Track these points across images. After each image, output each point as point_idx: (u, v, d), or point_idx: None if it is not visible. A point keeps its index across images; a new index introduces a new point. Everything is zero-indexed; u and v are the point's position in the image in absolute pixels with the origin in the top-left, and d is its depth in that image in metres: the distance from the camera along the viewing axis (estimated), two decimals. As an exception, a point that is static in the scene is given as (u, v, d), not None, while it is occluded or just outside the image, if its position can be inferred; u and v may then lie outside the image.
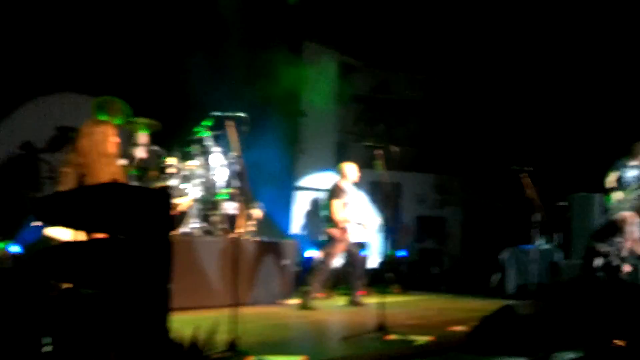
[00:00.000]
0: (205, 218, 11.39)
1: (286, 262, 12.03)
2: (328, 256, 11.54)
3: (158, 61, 12.70)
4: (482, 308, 10.00)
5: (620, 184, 12.79)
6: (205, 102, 11.80)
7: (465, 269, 18.10)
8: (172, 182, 10.81)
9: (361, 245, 12.89)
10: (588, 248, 10.97)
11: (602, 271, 10.61)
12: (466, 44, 17.94)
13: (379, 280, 13.67)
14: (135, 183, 10.01)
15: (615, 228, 11.19)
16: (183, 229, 10.83)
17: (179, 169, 11.03)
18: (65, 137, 10.51)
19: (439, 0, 17.21)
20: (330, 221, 11.56)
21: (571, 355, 7.42)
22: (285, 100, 15.40)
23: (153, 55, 12.63)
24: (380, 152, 8.99)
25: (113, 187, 4.69)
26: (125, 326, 4.34)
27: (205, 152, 11.55)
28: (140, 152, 11.04)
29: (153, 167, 10.97)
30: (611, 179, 12.86)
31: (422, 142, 19.91)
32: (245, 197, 10.48)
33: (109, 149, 7.15)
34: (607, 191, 12.82)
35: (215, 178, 11.52)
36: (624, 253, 10.92)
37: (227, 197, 11.38)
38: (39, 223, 7.56)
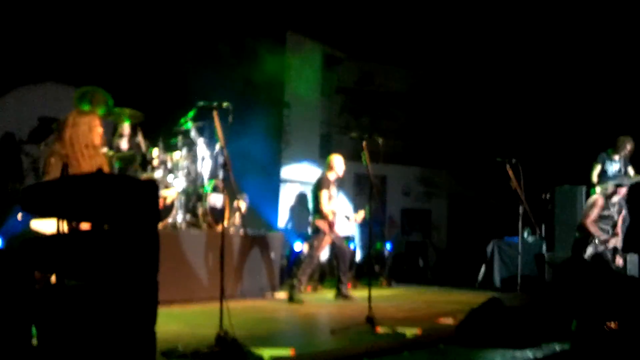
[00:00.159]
0: (190, 210, 11.32)
1: (273, 255, 11.98)
2: (315, 249, 11.49)
3: (141, 51, 12.60)
4: (469, 300, 9.99)
5: (604, 178, 12.81)
6: (189, 93, 11.74)
7: (451, 261, 18.13)
8: (156, 174, 10.73)
9: (347, 238, 12.85)
10: (576, 240, 10.95)
11: (592, 262, 10.60)
12: (451, 37, 17.91)
13: (365, 273, 13.65)
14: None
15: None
16: (168, 222, 10.75)
17: (163, 161, 10.95)
18: (47, 128, 10.42)
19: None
20: (317, 213, 11.51)
21: (559, 346, 7.42)
22: (269, 92, 15.36)
23: (136, 45, 12.53)
24: (366, 144, 8.94)
25: (99, 177, 4.60)
26: (112, 318, 4.28)
27: (189, 144, 11.49)
28: (123, 143, 10.98)
29: (137, 158, 10.89)
30: (595, 172, 12.88)
31: (407, 135, 19.89)
32: (230, 189, 10.41)
33: (94, 139, 7.07)
34: (592, 184, 12.84)
35: (200, 170, 11.47)
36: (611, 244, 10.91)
37: (212, 189, 11.31)
38: (22, 215, 7.49)
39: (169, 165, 11.03)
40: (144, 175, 10.56)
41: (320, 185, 11.62)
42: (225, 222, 11.15)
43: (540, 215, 13.95)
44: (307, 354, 6.52)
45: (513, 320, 7.40)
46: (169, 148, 11.35)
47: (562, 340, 7.50)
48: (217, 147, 11.50)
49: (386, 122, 19.87)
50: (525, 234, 13.96)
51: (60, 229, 4.48)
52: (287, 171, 16.96)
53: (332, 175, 11.72)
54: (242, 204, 12.10)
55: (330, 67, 18.59)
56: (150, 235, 4.62)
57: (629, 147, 12.77)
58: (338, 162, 11.77)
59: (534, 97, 17.26)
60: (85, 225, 4.86)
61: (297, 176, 17.18)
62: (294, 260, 13.30)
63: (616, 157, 12.88)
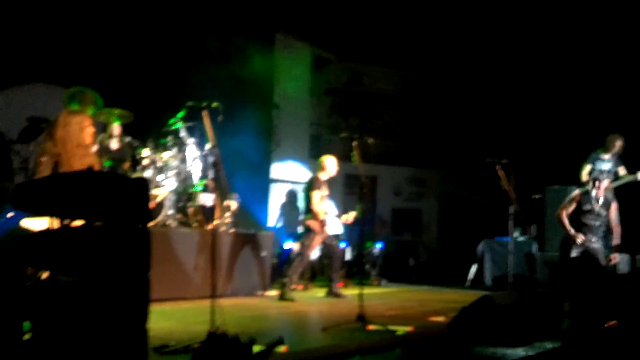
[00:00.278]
0: (180, 210, 11.31)
1: (264, 253, 11.97)
2: (306, 248, 11.50)
3: (131, 52, 12.59)
4: (460, 299, 10.01)
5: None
6: (179, 93, 11.73)
7: (441, 261, 18.16)
8: (146, 174, 10.73)
9: (338, 237, 12.85)
10: (564, 239, 10.94)
11: (579, 261, 10.59)
12: (441, 38, 17.94)
13: (356, 272, 13.66)
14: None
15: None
16: (159, 221, 10.74)
17: (153, 160, 10.95)
18: (37, 128, 10.40)
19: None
20: (308, 212, 11.52)
21: (550, 345, 7.43)
22: (259, 93, 15.36)
23: (126, 46, 12.52)
24: (356, 144, 8.95)
25: (90, 174, 4.59)
26: (104, 314, 4.27)
27: (179, 144, 11.48)
28: (113, 144, 10.97)
29: (127, 158, 10.89)
30: (585, 172, 12.89)
31: (397, 135, 19.92)
32: (221, 188, 10.41)
33: (85, 139, 7.06)
34: (582, 184, 12.84)
35: (190, 169, 11.47)
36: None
37: (203, 189, 11.31)
38: (12, 214, 7.45)
39: (159, 164, 11.02)
40: (134, 175, 10.54)
41: (312, 185, 11.63)
42: (216, 222, 11.14)
43: (530, 215, 13.99)
44: (299, 350, 6.52)
45: (505, 318, 7.40)
46: (159, 148, 11.34)
47: (553, 338, 7.52)
48: (207, 146, 11.49)
49: (376, 123, 19.89)
50: (516, 234, 13.99)
51: (52, 226, 4.47)
52: (277, 171, 16.97)
53: (324, 176, 11.73)
54: (233, 204, 12.10)
55: (320, 68, 18.60)
56: (142, 232, 4.62)
57: (618, 145, 12.77)
58: (330, 163, 11.78)
59: (524, 97, 17.30)
60: (76, 223, 4.85)
61: (287, 176, 17.19)
62: (285, 259, 13.31)
63: (606, 157, 12.89)
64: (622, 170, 12.88)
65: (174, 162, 11.26)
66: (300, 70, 17.80)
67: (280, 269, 12.93)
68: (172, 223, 10.97)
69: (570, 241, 10.70)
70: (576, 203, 10.93)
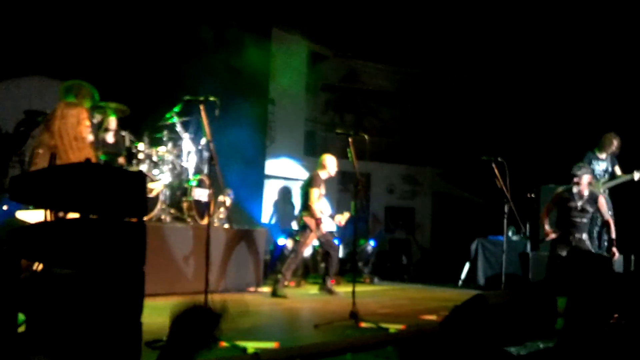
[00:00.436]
0: (175, 204, 11.32)
1: (257, 249, 11.98)
2: (300, 245, 11.52)
3: (127, 46, 12.56)
4: (452, 298, 10.03)
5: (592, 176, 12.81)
6: (174, 88, 11.73)
7: (434, 259, 18.15)
8: (141, 168, 10.74)
9: (332, 234, 12.87)
10: (552, 240, 10.97)
11: (567, 259, 10.60)
12: (437, 35, 17.93)
13: (348, 269, 13.67)
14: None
15: None
16: (153, 215, 10.74)
17: (149, 155, 10.95)
18: (33, 121, 10.36)
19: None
20: (305, 209, 11.53)
21: (542, 344, 7.43)
22: (254, 88, 15.35)
23: (122, 39, 12.50)
24: (352, 140, 8.95)
25: (87, 166, 4.59)
26: (99, 307, 4.27)
27: (175, 138, 11.49)
28: (109, 137, 10.98)
29: (122, 152, 10.89)
30: (581, 172, 12.87)
31: (391, 133, 19.91)
32: (216, 183, 10.42)
33: (82, 132, 7.06)
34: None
35: (185, 164, 11.47)
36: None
37: (197, 184, 11.31)
38: (6, 207, 7.45)
39: (154, 159, 11.02)
40: (130, 169, 10.54)
41: (311, 182, 11.65)
42: (210, 217, 11.14)
43: (525, 214, 13.99)
44: (292, 347, 6.53)
45: (497, 317, 7.40)
46: (155, 142, 11.34)
47: (546, 338, 7.52)
48: (203, 141, 11.51)
49: (371, 120, 19.88)
50: (510, 233, 14.00)
51: (48, 218, 4.47)
52: (272, 167, 16.95)
53: (323, 174, 11.75)
54: (227, 199, 12.10)
55: (316, 64, 18.57)
56: (138, 225, 4.62)
57: (615, 144, 12.76)
58: (330, 162, 11.79)
59: (519, 96, 17.28)
60: (71, 215, 4.85)
61: (281, 172, 17.17)
62: (278, 255, 13.31)
63: (602, 156, 12.87)
64: (618, 170, 12.87)
65: (169, 157, 11.27)
66: (296, 66, 17.77)
67: (274, 265, 12.94)
68: (166, 218, 10.98)
69: (557, 240, 10.73)
70: (556, 201, 10.94)
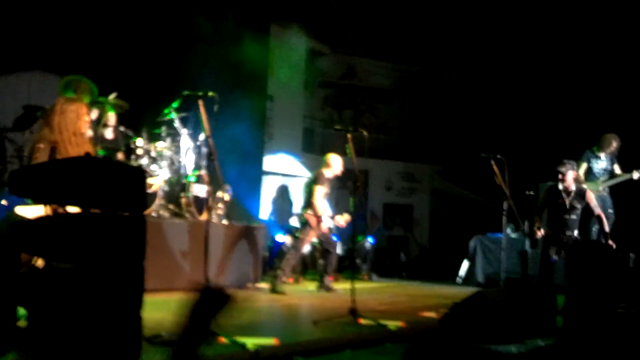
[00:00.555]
0: (173, 200, 11.30)
1: (255, 246, 11.97)
2: (300, 241, 11.51)
3: (126, 41, 12.55)
4: (451, 295, 10.01)
5: (589, 175, 12.79)
6: (173, 83, 11.72)
7: (432, 256, 18.15)
8: (140, 163, 10.72)
9: (331, 231, 12.86)
10: (546, 236, 10.94)
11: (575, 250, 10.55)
12: (436, 32, 17.92)
13: (347, 266, 13.66)
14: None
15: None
16: (151, 210, 10.73)
17: (147, 150, 10.93)
18: (32, 116, 10.35)
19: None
20: (307, 206, 11.51)
21: (542, 342, 7.41)
22: (253, 85, 15.33)
23: (121, 35, 12.48)
24: (350, 137, 8.93)
25: (87, 160, 4.57)
26: (99, 301, 4.25)
27: (173, 134, 11.47)
28: (108, 133, 10.96)
29: (121, 147, 10.87)
30: (580, 170, 12.85)
31: (390, 130, 19.91)
32: (215, 179, 10.41)
33: (82, 127, 7.05)
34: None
35: (183, 160, 11.46)
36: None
37: (196, 180, 11.29)
38: (5, 202, 7.43)
39: (153, 154, 11.01)
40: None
41: (316, 179, 11.64)
42: (209, 213, 11.13)
43: (524, 212, 13.99)
44: (291, 344, 6.51)
45: (497, 315, 7.39)
46: (153, 138, 11.32)
47: (545, 335, 7.51)
48: (201, 137, 11.49)
49: (369, 117, 19.88)
50: (509, 230, 13.99)
51: (48, 213, 4.46)
52: (269, 163, 16.94)
53: (328, 173, 11.73)
54: (226, 195, 12.08)
55: (314, 61, 18.56)
56: (138, 219, 4.60)
57: (614, 144, 12.72)
58: (335, 161, 11.75)
59: (518, 93, 17.29)
60: (71, 209, 4.83)
61: (279, 168, 17.17)
62: (277, 251, 13.29)
63: (602, 155, 12.83)
64: (617, 169, 12.84)
65: (168, 153, 11.26)
66: (295, 62, 17.77)
67: (272, 261, 12.92)
68: (164, 213, 10.96)
69: (549, 239, 10.69)
70: (547, 200, 10.89)
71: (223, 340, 5.99)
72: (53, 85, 10.30)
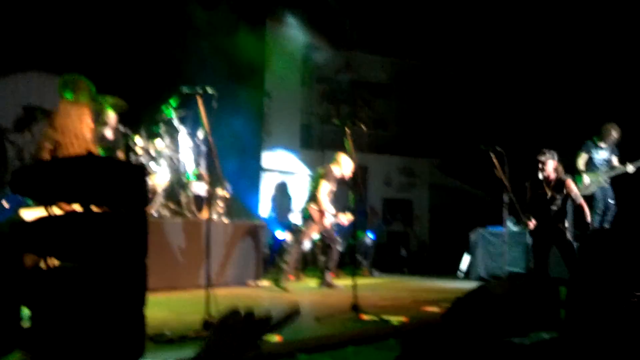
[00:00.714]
0: (173, 199, 11.28)
1: (256, 243, 11.95)
2: (302, 234, 11.51)
3: (123, 39, 12.51)
4: (453, 290, 9.99)
5: (590, 166, 12.78)
6: (170, 82, 11.68)
7: (433, 251, 18.14)
8: (140, 162, 10.70)
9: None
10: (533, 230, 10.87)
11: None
12: (433, 26, 17.90)
13: (348, 262, 13.64)
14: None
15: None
16: (152, 209, 10.70)
17: (146, 149, 10.90)
18: (32, 117, 10.34)
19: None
20: (312, 200, 11.49)
21: (546, 335, 7.37)
22: (250, 81, 15.29)
23: (118, 33, 12.44)
24: (349, 132, 8.90)
25: (90, 159, 4.55)
26: (102, 299, 4.24)
27: (172, 132, 11.44)
28: (108, 132, 10.93)
29: (120, 146, 10.84)
30: (581, 161, 12.83)
31: (388, 124, 19.88)
32: (215, 177, 10.39)
33: (84, 131, 7.08)
34: (578, 172, 12.77)
35: (182, 158, 11.42)
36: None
37: (196, 178, 11.27)
38: (6, 203, 7.43)
39: (152, 153, 10.98)
40: (129, 162, 10.52)
41: (324, 175, 11.62)
42: (209, 211, 11.11)
43: (524, 204, 13.96)
44: (294, 340, 6.49)
45: (500, 308, 7.35)
46: (152, 136, 11.29)
47: (549, 329, 7.47)
48: (200, 135, 11.46)
49: (367, 112, 19.84)
50: (509, 223, 13.95)
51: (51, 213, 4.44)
52: (268, 160, 16.91)
53: (337, 171, 11.68)
54: (225, 193, 12.06)
55: (311, 56, 18.51)
56: (140, 217, 4.59)
57: (614, 134, 12.70)
58: (346, 162, 11.68)
59: (517, 85, 17.26)
60: (73, 208, 4.82)
61: (278, 165, 17.14)
62: (277, 249, 13.27)
63: (602, 145, 12.82)
64: (615, 161, 12.81)
65: (167, 151, 11.22)
66: (292, 58, 17.73)
67: (272, 259, 12.90)
68: (165, 212, 10.94)
69: (537, 230, 10.60)
70: (530, 191, 10.76)
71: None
72: (52, 86, 10.23)
